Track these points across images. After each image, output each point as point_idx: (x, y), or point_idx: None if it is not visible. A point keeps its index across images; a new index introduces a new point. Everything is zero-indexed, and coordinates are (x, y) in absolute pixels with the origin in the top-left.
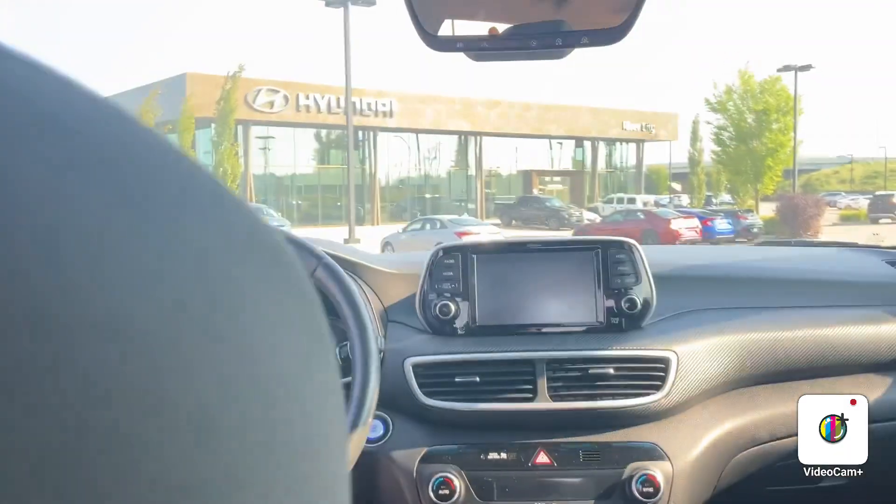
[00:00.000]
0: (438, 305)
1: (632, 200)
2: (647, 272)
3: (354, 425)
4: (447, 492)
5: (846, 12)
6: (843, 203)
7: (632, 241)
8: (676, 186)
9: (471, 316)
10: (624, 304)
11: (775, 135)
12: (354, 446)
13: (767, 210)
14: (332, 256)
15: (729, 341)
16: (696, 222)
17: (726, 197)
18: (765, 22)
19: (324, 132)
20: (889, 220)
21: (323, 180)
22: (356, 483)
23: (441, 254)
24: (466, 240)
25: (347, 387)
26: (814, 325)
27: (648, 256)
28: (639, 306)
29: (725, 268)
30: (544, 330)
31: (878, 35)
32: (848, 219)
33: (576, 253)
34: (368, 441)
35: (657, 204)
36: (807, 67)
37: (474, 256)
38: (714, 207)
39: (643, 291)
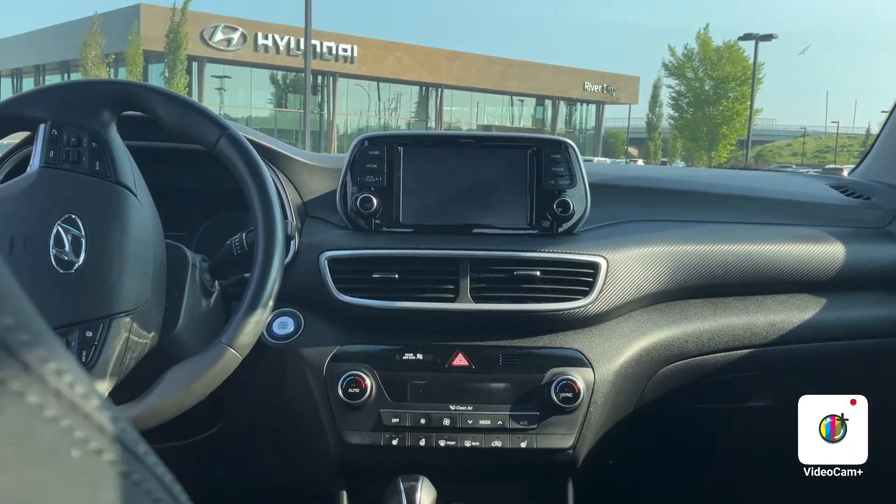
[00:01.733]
0: (359, 199)
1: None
2: (582, 176)
3: (253, 307)
4: (357, 390)
5: None
6: None
7: (569, 141)
8: (633, 151)
9: (394, 212)
10: (556, 208)
11: (732, 103)
12: (252, 328)
13: None
14: (246, 139)
15: (661, 251)
16: None
17: (680, 164)
18: None
19: (282, 75)
20: None
21: (279, 124)
22: (264, 380)
23: (366, 144)
24: (393, 131)
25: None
26: (749, 241)
27: (586, 169)
28: (571, 210)
29: (663, 181)
30: (472, 230)
31: (836, 11)
32: None
33: (509, 151)
34: (278, 338)
35: None
36: (769, 37)
37: (401, 149)
38: None
39: (577, 195)
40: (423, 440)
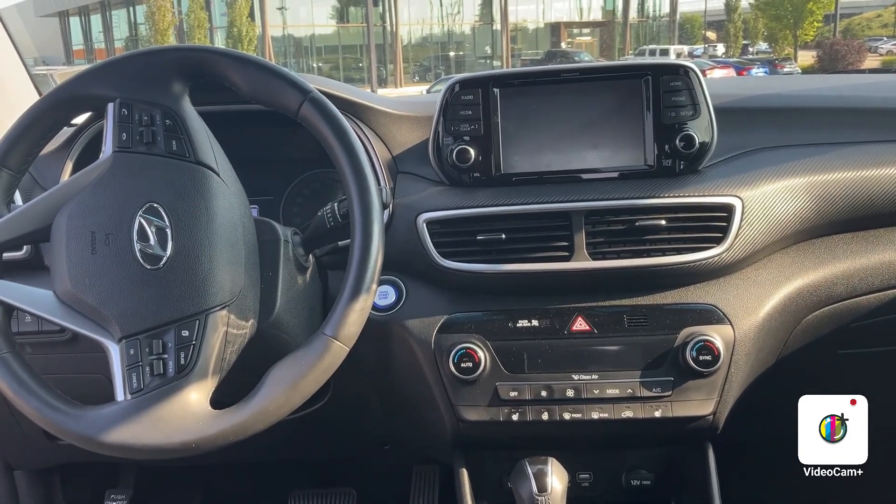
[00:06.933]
0: (455, 151)
1: (664, 52)
2: (707, 104)
3: (356, 293)
4: (470, 364)
5: None
6: (885, 49)
7: (689, 64)
8: (711, 35)
9: (494, 163)
10: (679, 143)
11: None
12: (357, 317)
13: (806, 58)
14: (327, 95)
15: (803, 184)
16: (732, 73)
17: (763, 45)
18: None
19: None
20: None
21: (343, 40)
22: (369, 355)
23: (457, 88)
24: (487, 71)
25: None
26: None
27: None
28: (696, 145)
29: (793, 98)
30: (583, 177)
31: None
32: (890, 65)
33: (621, 82)
34: (379, 309)
35: (691, 55)
36: None
37: (497, 91)
38: (751, 57)
39: (702, 127)
40: (546, 414)
